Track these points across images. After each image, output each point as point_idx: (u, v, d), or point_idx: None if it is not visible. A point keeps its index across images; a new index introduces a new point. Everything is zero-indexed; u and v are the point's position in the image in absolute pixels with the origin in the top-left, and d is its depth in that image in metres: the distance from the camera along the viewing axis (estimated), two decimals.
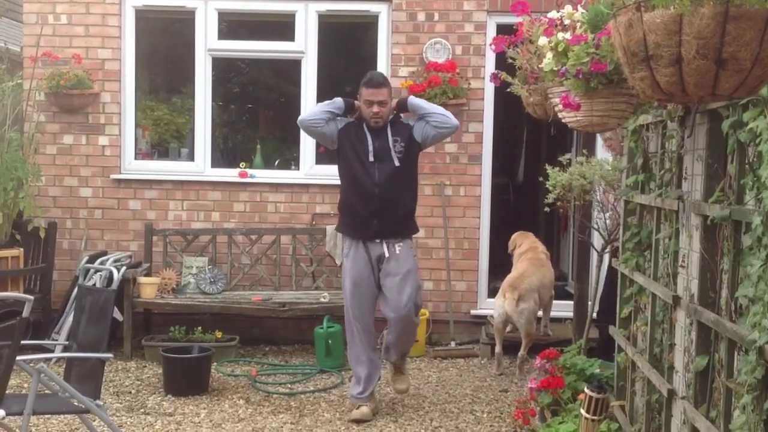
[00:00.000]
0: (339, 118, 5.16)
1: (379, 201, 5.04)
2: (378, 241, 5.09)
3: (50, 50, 6.94)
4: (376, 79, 5.12)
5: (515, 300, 6.00)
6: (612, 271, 5.08)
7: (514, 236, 6.76)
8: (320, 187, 7.05)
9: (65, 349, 4.67)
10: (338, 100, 5.15)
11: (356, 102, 5.17)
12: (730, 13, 2.01)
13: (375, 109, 5.03)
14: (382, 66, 7.02)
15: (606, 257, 5.41)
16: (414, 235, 5.36)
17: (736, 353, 2.62)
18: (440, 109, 5.22)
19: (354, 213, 5.15)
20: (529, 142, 10.13)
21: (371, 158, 5.05)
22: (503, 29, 6.26)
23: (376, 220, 5.06)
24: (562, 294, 7.09)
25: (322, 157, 7.02)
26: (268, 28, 7.59)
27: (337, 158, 5.24)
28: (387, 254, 5.08)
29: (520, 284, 6.10)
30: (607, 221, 5.25)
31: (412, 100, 5.30)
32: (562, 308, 6.71)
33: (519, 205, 9.84)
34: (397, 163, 5.05)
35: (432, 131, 5.12)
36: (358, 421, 5.06)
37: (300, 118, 5.23)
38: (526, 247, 6.50)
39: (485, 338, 6.74)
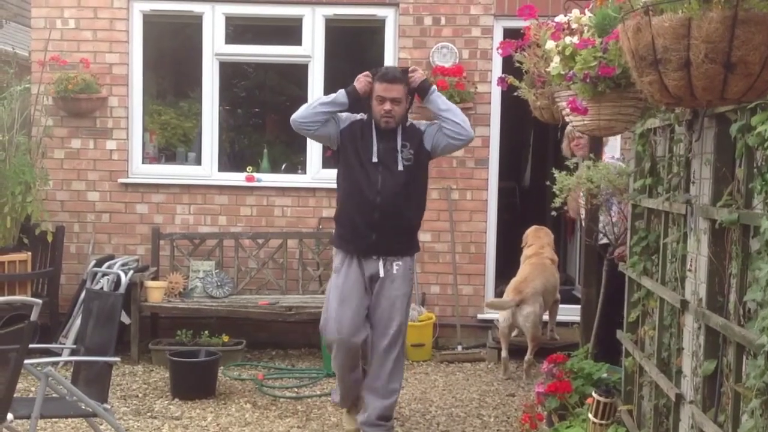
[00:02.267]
0: (345, 114, 4.68)
1: (380, 212, 4.55)
2: (374, 257, 4.61)
3: (58, 55, 6.95)
4: (390, 73, 4.61)
5: (519, 304, 6.00)
6: (609, 276, 5.06)
7: (527, 232, 6.68)
8: (327, 191, 7.04)
9: (73, 352, 4.69)
10: (339, 95, 4.60)
11: (363, 78, 4.61)
12: (738, 17, 2.01)
13: (387, 106, 4.51)
14: None
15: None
16: (416, 253, 4.88)
17: (744, 357, 2.61)
18: (459, 114, 4.60)
19: (351, 224, 4.67)
20: (535, 146, 10.13)
21: (375, 159, 4.56)
22: (510, 33, 6.26)
23: (375, 234, 4.57)
24: (569, 298, 7.08)
25: (328, 161, 7.02)
26: (275, 32, 7.60)
27: (337, 160, 4.79)
28: (382, 273, 4.60)
29: (525, 288, 6.08)
30: (606, 226, 5.23)
31: (435, 91, 4.62)
32: (569, 312, 6.69)
33: (526, 209, 9.82)
34: (402, 171, 4.57)
35: (443, 140, 4.61)
36: None
37: (292, 117, 4.62)
38: (531, 251, 6.47)
39: (492, 342, 6.73)
